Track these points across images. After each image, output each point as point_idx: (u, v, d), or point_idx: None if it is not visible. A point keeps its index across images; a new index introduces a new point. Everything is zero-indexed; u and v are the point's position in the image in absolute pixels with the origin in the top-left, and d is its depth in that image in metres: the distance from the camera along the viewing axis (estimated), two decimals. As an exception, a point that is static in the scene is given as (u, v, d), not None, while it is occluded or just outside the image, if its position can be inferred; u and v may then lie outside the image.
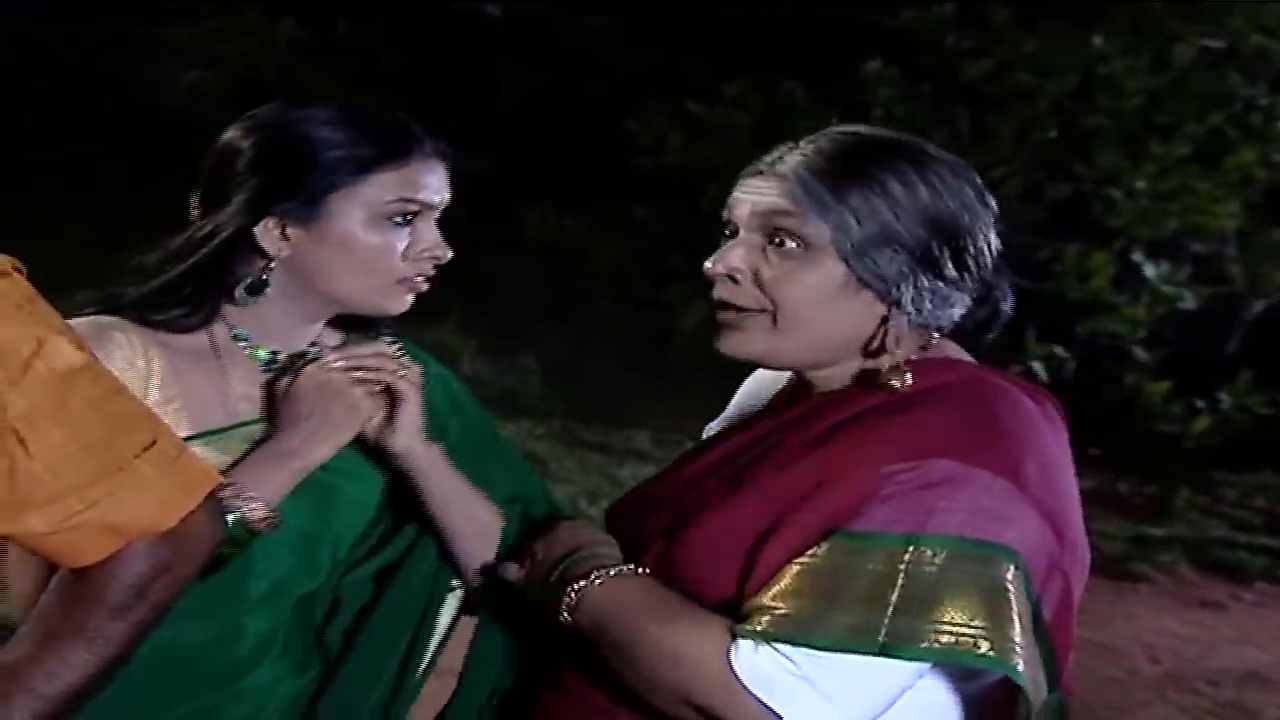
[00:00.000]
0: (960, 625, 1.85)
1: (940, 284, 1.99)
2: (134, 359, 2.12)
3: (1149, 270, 8.49)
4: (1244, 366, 8.51)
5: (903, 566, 1.85)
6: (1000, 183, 8.61)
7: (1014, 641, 1.86)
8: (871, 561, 1.86)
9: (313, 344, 2.27)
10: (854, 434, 1.96)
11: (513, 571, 2.15)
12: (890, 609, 1.84)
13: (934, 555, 1.85)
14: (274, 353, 2.25)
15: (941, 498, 1.87)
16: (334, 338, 2.31)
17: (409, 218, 2.19)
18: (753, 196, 2.03)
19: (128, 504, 1.69)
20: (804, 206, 1.98)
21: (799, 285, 1.99)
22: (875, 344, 2.02)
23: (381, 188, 2.17)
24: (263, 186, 2.15)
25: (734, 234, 2.05)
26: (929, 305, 2.00)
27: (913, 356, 2.02)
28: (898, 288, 1.98)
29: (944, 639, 1.84)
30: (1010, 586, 1.87)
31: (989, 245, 2.02)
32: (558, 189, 9.55)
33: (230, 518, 2.06)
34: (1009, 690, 1.93)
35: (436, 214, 2.23)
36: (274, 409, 2.20)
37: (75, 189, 11.37)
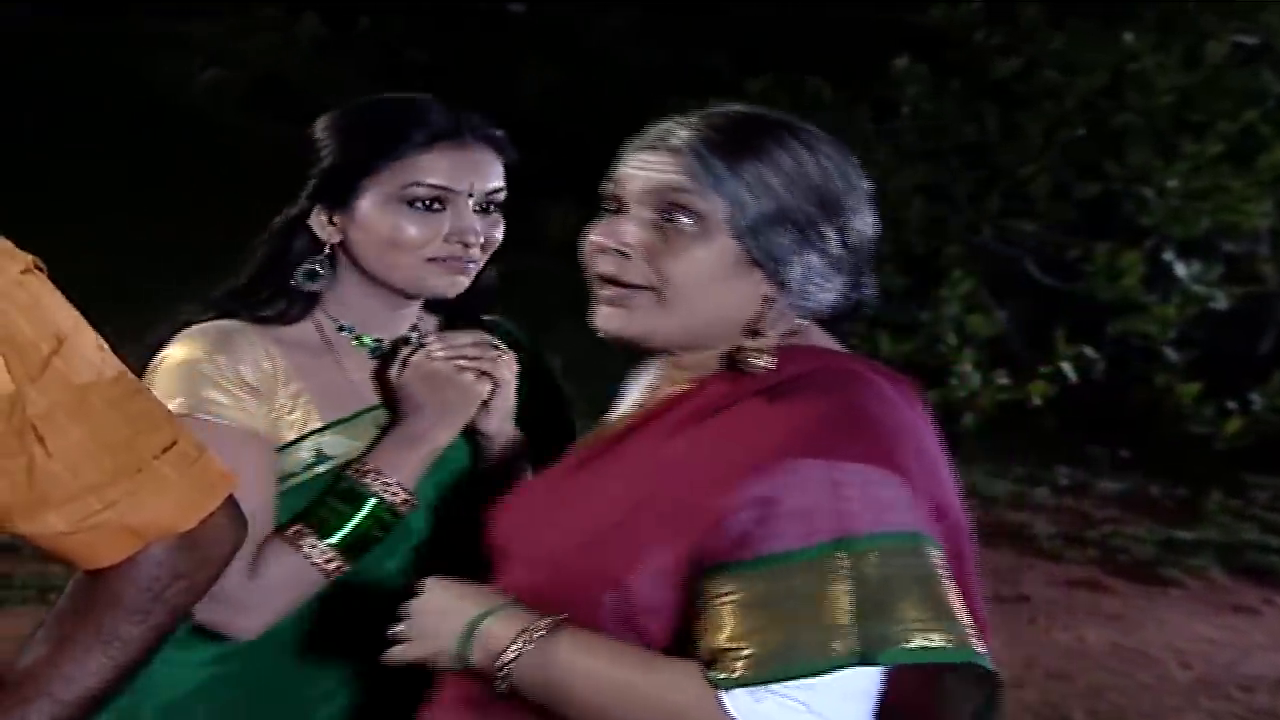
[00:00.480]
0: (919, 621, 1.81)
1: (825, 264, 1.96)
2: (261, 360, 2.28)
3: (1180, 270, 8.43)
4: (1276, 367, 8.45)
5: (844, 572, 1.80)
6: (1029, 181, 8.56)
7: (966, 627, 1.83)
8: (799, 578, 1.80)
9: (413, 328, 2.40)
10: (721, 437, 1.91)
11: (394, 655, 2.00)
12: (852, 617, 1.78)
13: (869, 555, 1.81)
14: (378, 340, 2.37)
15: (830, 497, 1.82)
16: (431, 322, 2.45)
17: (433, 203, 2.29)
18: (645, 171, 1.97)
19: (147, 505, 1.69)
20: (700, 181, 1.93)
21: (691, 262, 1.94)
22: (756, 326, 1.97)
23: (402, 173, 2.28)
24: (312, 178, 2.31)
25: (619, 210, 2.00)
26: (812, 286, 1.97)
27: (782, 342, 1.98)
28: (787, 266, 1.95)
29: (914, 639, 1.80)
30: (941, 571, 1.84)
31: (868, 227, 2.00)
32: (579, 187, 9.48)
33: (371, 502, 2.26)
34: (921, 679, 1.90)
35: (471, 199, 2.31)
36: (390, 394, 2.34)
37: (84, 187, 11.34)
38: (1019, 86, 8.54)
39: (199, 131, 12.73)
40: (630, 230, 1.97)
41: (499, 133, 2.35)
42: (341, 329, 2.36)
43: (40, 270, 1.68)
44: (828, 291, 1.98)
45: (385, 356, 2.37)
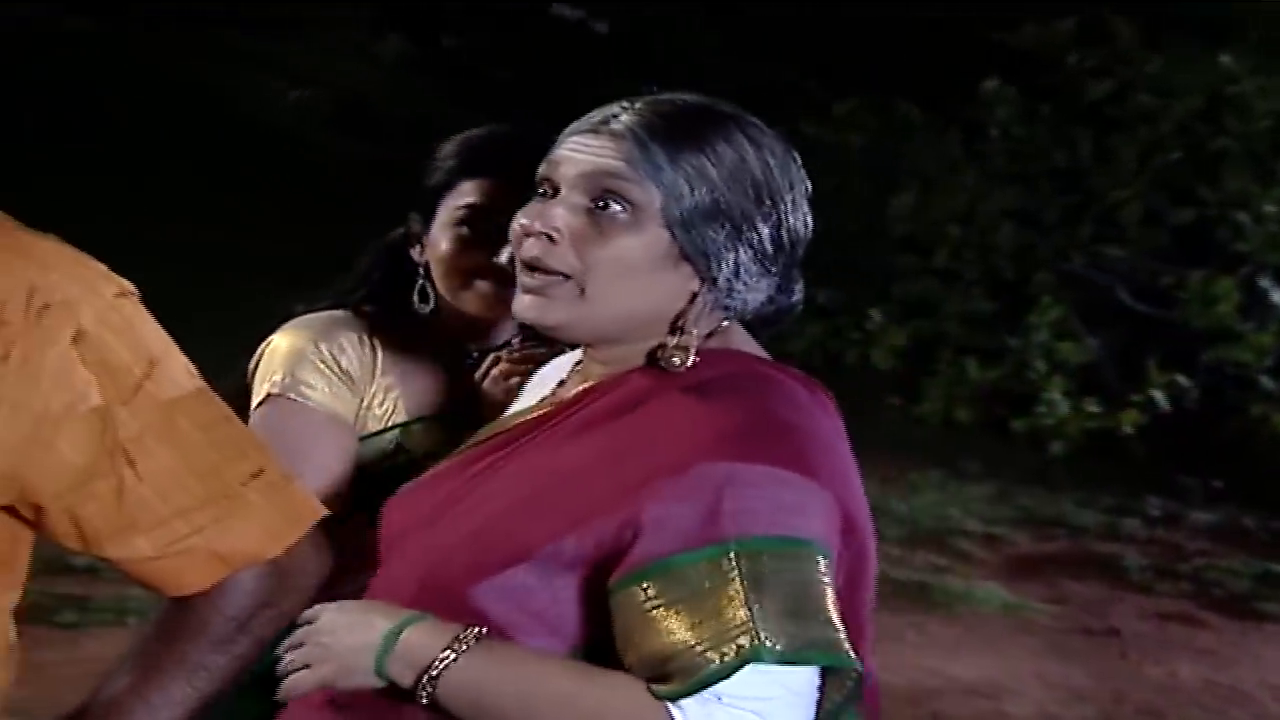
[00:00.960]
0: (810, 624, 1.79)
1: (755, 263, 1.91)
2: (362, 350, 2.36)
3: (1276, 297, 8.30)
4: (1376, 397, 8.29)
5: (734, 575, 1.77)
6: (1121, 206, 8.45)
7: (840, 633, 1.80)
8: (705, 580, 1.78)
9: (507, 342, 2.42)
10: (633, 436, 1.86)
11: (295, 685, 1.89)
12: (753, 617, 1.76)
13: (759, 557, 1.78)
14: (477, 349, 2.41)
15: (734, 499, 1.79)
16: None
17: (481, 228, 2.31)
18: (583, 155, 1.90)
19: (234, 531, 1.68)
20: (639, 169, 1.87)
21: (619, 251, 1.88)
22: (678, 322, 1.91)
23: (457, 197, 2.35)
24: (412, 201, 2.41)
25: (552, 194, 1.93)
26: (740, 285, 1.91)
27: (702, 342, 1.91)
28: (717, 262, 1.89)
29: (798, 641, 1.77)
30: (825, 580, 1.81)
31: (804, 228, 1.95)
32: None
33: None
34: None
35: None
36: (476, 400, 2.36)
37: (175, 199, 11.43)
38: (1112, 110, 8.46)
39: (285, 149, 12.81)
40: (560, 214, 1.89)
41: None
42: (447, 334, 2.42)
43: (134, 294, 1.68)
44: (755, 291, 1.93)
45: (475, 364, 2.41)
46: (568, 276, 1.90)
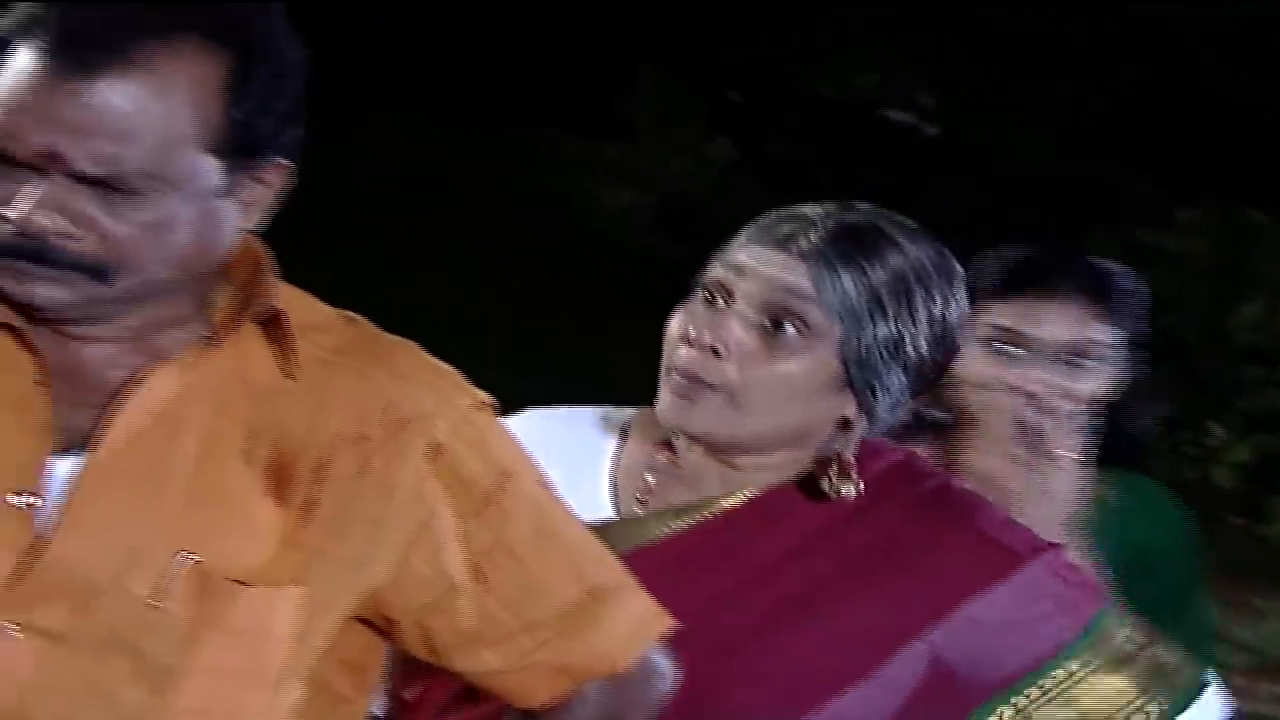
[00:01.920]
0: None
1: (909, 389, 1.92)
2: None
3: None
4: None
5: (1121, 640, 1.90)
6: None
7: None
8: (1089, 664, 1.87)
9: None
10: (893, 562, 1.88)
11: None
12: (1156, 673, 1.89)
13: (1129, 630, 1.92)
14: None
15: (1069, 584, 1.91)
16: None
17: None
18: (765, 270, 1.87)
19: (581, 645, 1.68)
20: (825, 296, 1.85)
21: (785, 372, 1.87)
22: (824, 440, 1.92)
23: (994, 315, 2.36)
24: None
25: (723, 302, 1.88)
26: (892, 412, 1.93)
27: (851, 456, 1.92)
28: (882, 394, 1.89)
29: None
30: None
31: (957, 356, 1.99)
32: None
33: None
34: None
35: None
36: None
37: (496, 293, 11.64)
38: None
39: (607, 251, 12.98)
40: (732, 329, 1.86)
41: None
42: None
43: (489, 405, 1.69)
44: (902, 412, 1.94)
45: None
46: (718, 387, 1.86)
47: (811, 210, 1.92)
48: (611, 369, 5.24)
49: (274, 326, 1.56)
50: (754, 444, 1.91)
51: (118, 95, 1.46)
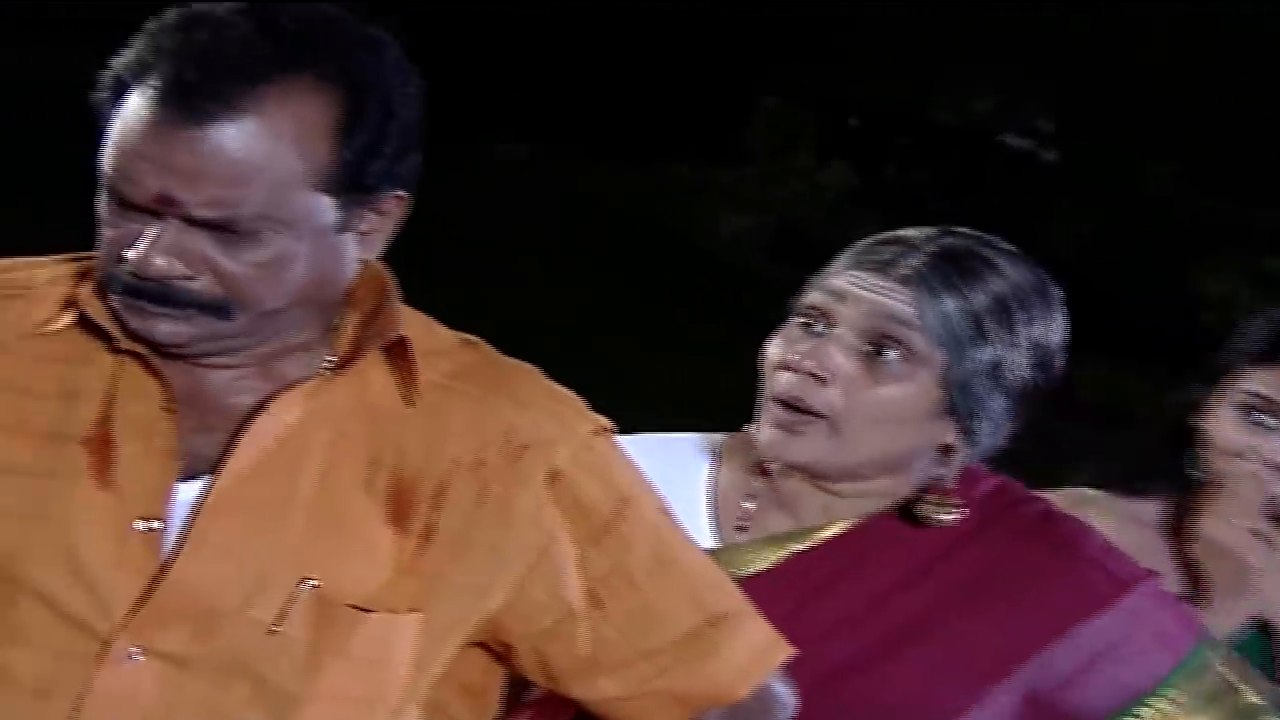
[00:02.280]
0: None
1: (1009, 413, 1.90)
2: None
3: None
4: None
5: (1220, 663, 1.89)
6: None
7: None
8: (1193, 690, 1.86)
9: None
10: (1000, 589, 1.88)
11: None
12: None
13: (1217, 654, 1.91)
14: None
15: (1170, 608, 1.93)
16: None
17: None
18: (868, 295, 1.85)
19: (698, 673, 1.67)
20: (927, 322, 1.83)
21: (887, 398, 1.85)
22: (924, 466, 1.90)
23: (1251, 381, 2.33)
24: None
25: (816, 324, 1.87)
26: (993, 437, 1.91)
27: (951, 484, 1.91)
28: (984, 421, 1.88)
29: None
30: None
31: (1059, 376, 1.96)
32: (1115, 344, 9.16)
33: None
34: None
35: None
36: None
37: (602, 320, 11.65)
38: None
39: (717, 276, 12.95)
40: (834, 354, 1.84)
41: None
42: None
43: (609, 431, 1.68)
44: (1000, 437, 1.92)
45: None
46: (822, 416, 1.84)
47: (912, 234, 1.90)
48: (725, 396, 5.19)
49: (398, 353, 1.57)
50: (855, 471, 1.90)
51: (229, 142, 1.47)
